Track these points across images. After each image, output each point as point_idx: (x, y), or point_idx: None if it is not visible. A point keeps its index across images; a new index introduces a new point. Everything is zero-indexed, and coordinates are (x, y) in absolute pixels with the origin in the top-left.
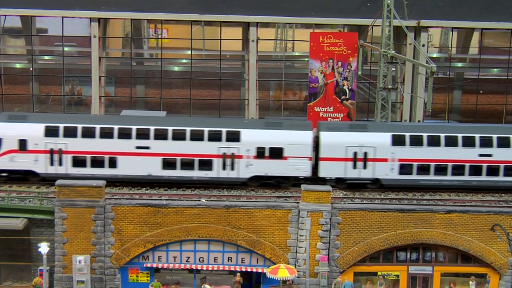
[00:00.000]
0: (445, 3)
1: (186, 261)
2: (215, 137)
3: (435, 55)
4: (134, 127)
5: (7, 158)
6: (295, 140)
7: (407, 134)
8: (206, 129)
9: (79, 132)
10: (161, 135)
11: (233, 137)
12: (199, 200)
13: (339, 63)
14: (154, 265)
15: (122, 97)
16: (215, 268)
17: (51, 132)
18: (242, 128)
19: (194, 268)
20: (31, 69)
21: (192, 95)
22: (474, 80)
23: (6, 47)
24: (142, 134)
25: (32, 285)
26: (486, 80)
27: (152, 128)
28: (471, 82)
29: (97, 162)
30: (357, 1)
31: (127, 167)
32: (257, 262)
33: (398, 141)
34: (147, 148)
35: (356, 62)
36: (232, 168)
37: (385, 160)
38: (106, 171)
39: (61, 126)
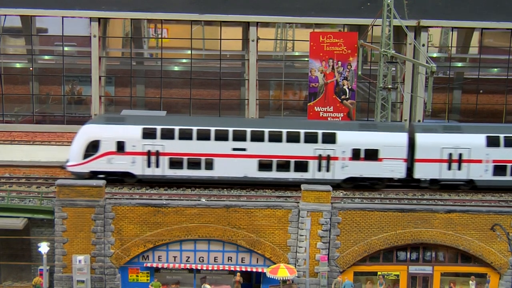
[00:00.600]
0: (445, 3)
1: (186, 261)
2: (311, 139)
3: (435, 55)
4: (230, 129)
5: (105, 160)
6: (390, 141)
7: (502, 136)
8: (302, 131)
9: (176, 134)
10: (257, 137)
11: (329, 139)
12: (199, 200)
13: (339, 62)
14: (154, 265)
15: (122, 97)
16: (215, 268)
17: (148, 134)
18: (338, 130)
19: (194, 268)
20: (31, 68)
21: (192, 95)
22: (474, 80)
23: (6, 47)
24: (239, 136)
25: (32, 285)
26: (486, 80)
27: (248, 130)
28: (471, 82)
29: (194, 164)
30: (357, 1)
31: (223, 169)
32: (257, 262)
33: (492, 142)
34: (244, 149)
35: (356, 62)
36: (328, 170)
37: (479, 161)
38: (203, 172)
39: (159, 128)
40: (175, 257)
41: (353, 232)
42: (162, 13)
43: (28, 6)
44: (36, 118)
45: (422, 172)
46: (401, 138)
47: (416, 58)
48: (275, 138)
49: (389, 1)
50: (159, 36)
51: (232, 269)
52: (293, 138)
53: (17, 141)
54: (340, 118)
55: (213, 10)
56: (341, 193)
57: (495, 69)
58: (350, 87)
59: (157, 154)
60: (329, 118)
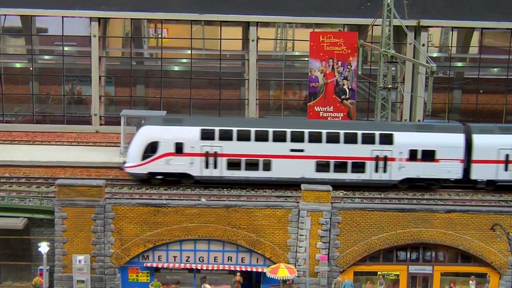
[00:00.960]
0: (445, 3)
1: (186, 260)
2: (368, 140)
3: (435, 55)
4: (288, 130)
5: (163, 161)
6: (447, 142)
7: None
8: (359, 132)
9: (235, 135)
10: (315, 138)
11: (387, 140)
12: (199, 200)
13: (339, 62)
14: (154, 265)
15: (122, 96)
16: (215, 268)
17: (207, 135)
18: (395, 131)
19: (194, 267)
20: (31, 68)
21: (192, 95)
22: (474, 80)
23: (6, 47)
24: (297, 137)
25: (32, 284)
26: (486, 79)
27: (306, 131)
28: (471, 82)
29: (252, 165)
30: (357, 1)
31: (281, 170)
32: (257, 262)
33: None
34: (301, 151)
35: (356, 61)
36: (385, 171)
37: None
38: (260, 173)
39: (217, 129)
40: (175, 257)
41: (353, 232)
42: (162, 13)
43: (28, 6)
44: (36, 118)
45: (479, 173)
46: (458, 139)
47: (416, 58)
48: (333, 139)
49: (389, 1)
50: (159, 36)
51: (232, 269)
52: (350, 139)
53: (17, 141)
54: (340, 118)
55: (213, 10)
56: (341, 193)
57: (495, 69)
58: (350, 87)
59: (215, 155)
60: (329, 118)
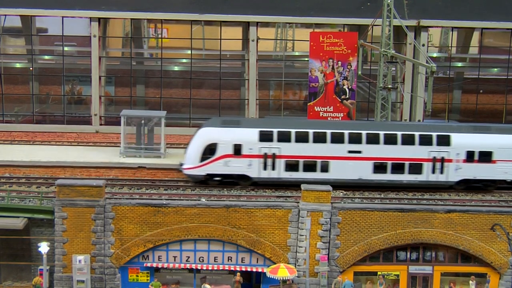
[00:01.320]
0: (445, 3)
1: (186, 260)
2: (425, 141)
3: (435, 55)
4: (346, 132)
5: (222, 163)
6: (505, 144)
7: None
8: (417, 134)
9: (293, 136)
10: (373, 140)
11: (444, 141)
12: (199, 200)
13: (339, 62)
14: (154, 265)
15: (122, 96)
16: (215, 268)
17: (265, 137)
18: (453, 133)
19: (194, 267)
20: (31, 68)
21: (192, 95)
22: (474, 80)
23: (6, 47)
24: (354, 139)
25: (32, 284)
26: (486, 80)
27: (364, 132)
28: (471, 82)
29: (309, 166)
30: (357, 1)
31: (338, 171)
32: (257, 262)
33: None
34: (359, 152)
35: (356, 61)
36: (441, 172)
37: None
38: (318, 175)
39: (275, 131)
40: (175, 257)
41: (353, 232)
42: (162, 13)
43: (28, 6)
44: (36, 118)
45: None
46: None
47: (416, 58)
48: (390, 140)
49: (389, 1)
50: (159, 36)
51: (232, 269)
52: (408, 140)
53: (17, 141)
54: (340, 118)
55: (213, 10)
56: (341, 193)
57: (495, 69)
58: (350, 87)
59: (274, 156)
60: (329, 118)
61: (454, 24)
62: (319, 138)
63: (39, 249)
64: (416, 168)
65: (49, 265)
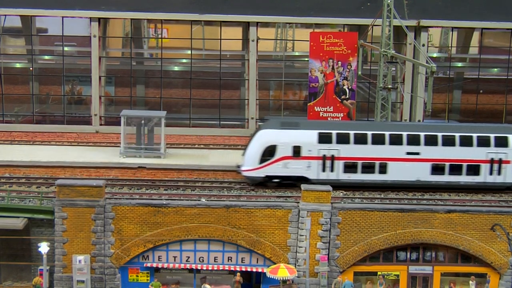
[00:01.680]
0: (445, 3)
1: (186, 261)
2: (483, 142)
3: (435, 55)
4: (404, 134)
5: (281, 165)
6: None
7: None
8: (475, 135)
9: (352, 138)
10: (431, 141)
11: (502, 142)
12: (199, 200)
13: (339, 62)
14: (154, 265)
15: (122, 97)
16: (215, 268)
17: (324, 138)
18: (510, 134)
19: (194, 268)
20: (31, 69)
21: (192, 95)
22: (474, 80)
23: (6, 47)
24: (413, 140)
25: (32, 285)
26: (486, 80)
27: (422, 134)
28: (471, 82)
29: (367, 168)
30: (357, 1)
31: (396, 173)
32: (257, 262)
33: None
34: (417, 154)
35: (356, 61)
36: (499, 173)
37: None
38: (376, 176)
39: (334, 132)
40: (175, 257)
41: (353, 232)
42: (162, 13)
43: (28, 6)
44: (36, 118)
45: None
46: None
47: (416, 58)
48: (448, 142)
49: (389, 1)
50: (159, 36)
51: (232, 269)
52: (466, 142)
53: (17, 141)
54: (340, 118)
55: (213, 10)
56: (341, 193)
57: (495, 69)
58: (350, 87)
59: (332, 158)
60: (329, 118)
61: (454, 24)
62: (378, 140)
63: (39, 249)
64: (473, 169)
65: (49, 265)
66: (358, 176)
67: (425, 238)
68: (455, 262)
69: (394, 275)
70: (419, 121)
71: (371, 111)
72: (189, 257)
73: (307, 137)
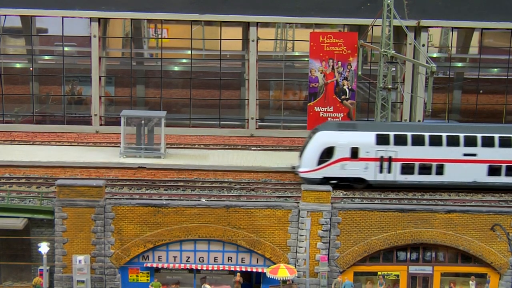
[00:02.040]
0: (445, 3)
1: (186, 261)
2: None
3: (435, 55)
4: (461, 135)
5: (339, 166)
6: None
7: None
8: None
9: (409, 140)
10: (487, 143)
11: None
12: (199, 200)
13: (339, 63)
14: (154, 265)
15: (122, 97)
16: (215, 268)
17: (382, 140)
18: None
19: (194, 268)
20: (31, 69)
21: (192, 95)
22: (474, 80)
23: (6, 47)
24: (470, 142)
25: (32, 285)
26: (486, 80)
27: (479, 135)
28: (471, 82)
29: (424, 169)
30: (357, 1)
31: (453, 174)
32: (257, 262)
33: None
34: (474, 155)
35: (356, 62)
36: None
37: None
38: (433, 178)
39: (392, 134)
40: (175, 257)
41: (353, 232)
42: (162, 13)
43: (28, 6)
44: (36, 118)
45: None
46: None
47: (416, 58)
48: (505, 143)
49: (389, 1)
50: (159, 36)
51: (232, 269)
52: None
53: (17, 141)
54: (340, 118)
55: (213, 10)
56: (341, 193)
57: (495, 69)
58: (350, 87)
59: (390, 159)
60: (329, 119)
61: (454, 24)
62: (435, 141)
63: (39, 249)
64: None
65: (49, 265)
66: (415, 178)
67: (425, 238)
68: (455, 262)
69: (394, 275)
70: (419, 121)
71: (371, 111)
72: (189, 257)
73: (365, 139)
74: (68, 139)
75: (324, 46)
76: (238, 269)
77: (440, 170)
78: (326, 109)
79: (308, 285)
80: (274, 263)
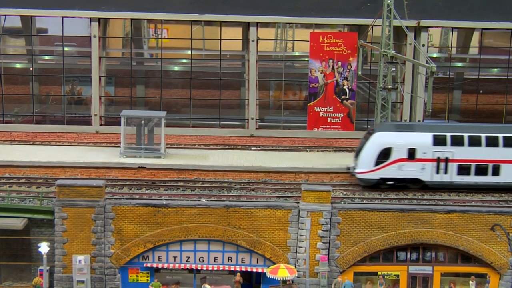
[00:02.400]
0: (445, 3)
1: (186, 261)
2: None
3: (435, 55)
4: None
5: (396, 167)
6: None
7: None
8: None
9: (466, 141)
10: None
11: None
12: (199, 200)
13: (339, 63)
14: (154, 265)
15: (122, 97)
16: (215, 268)
17: (438, 141)
18: None
19: (194, 268)
20: (31, 69)
21: (192, 95)
22: (474, 80)
23: (6, 47)
24: None
25: (32, 285)
26: (486, 80)
27: None
28: (471, 82)
29: (481, 170)
30: (357, 1)
31: (510, 175)
32: (257, 262)
33: None
34: None
35: (356, 62)
36: None
37: None
38: (489, 178)
39: (448, 135)
40: (175, 257)
41: (353, 232)
42: (162, 13)
43: (28, 6)
44: (36, 118)
45: None
46: None
47: (416, 58)
48: None
49: (389, 1)
50: (159, 36)
51: (232, 269)
52: None
53: (17, 141)
54: (340, 118)
55: (213, 10)
56: (341, 193)
57: (495, 69)
58: (350, 87)
59: (446, 160)
60: (329, 119)
61: (454, 24)
62: (491, 142)
63: (39, 249)
64: None
65: (49, 266)
66: (471, 178)
67: (425, 238)
68: (455, 262)
69: (394, 275)
70: (419, 121)
71: (371, 111)
72: (189, 257)
73: (422, 140)
74: (68, 139)
75: (324, 46)
76: (238, 269)
77: (496, 171)
78: (326, 109)
79: (308, 285)
80: (274, 263)
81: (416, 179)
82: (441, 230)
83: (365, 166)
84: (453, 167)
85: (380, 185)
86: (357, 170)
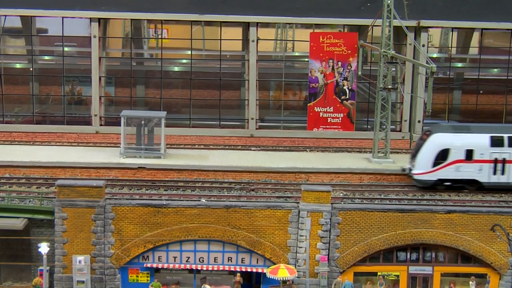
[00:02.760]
0: (445, 3)
1: (186, 261)
2: None
3: (435, 55)
4: None
5: (453, 168)
6: None
7: None
8: None
9: None
10: None
11: None
12: (199, 200)
13: (339, 63)
14: (154, 265)
15: (122, 97)
16: (215, 268)
17: (496, 142)
18: None
19: (194, 268)
20: (31, 69)
21: (192, 95)
22: (474, 80)
23: (6, 47)
24: None
25: (32, 285)
26: (486, 80)
27: None
28: (471, 82)
29: None
30: (357, 1)
31: None
32: (257, 262)
33: None
34: None
35: (356, 62)
36: None
37: None
38: None
39: (506, 136)
40: (175, 257)
41: (353, 233)
42: (162, 14)
43: (28, 7)
44: (36, 118)
45: None
46: None
47: (416, 58)
48: None
49: (389, 1)
50: (159, 36)
51: (232, 269)
52: None
53: (17, 141)
54: (340, 118)
55: (213, 10)
56: (341, 193)
57: (495, 70)
58: (350, 88)
59: (504, 161)
60: (329, 119)
61: (454, 25)
62: None
63: (39, 249)
64: None
65: (49, 266)
66: None
67: (425, 238)
68: (455, 263)
69: (394, 275)
70: (418, 121)
71: (371, 111)
72: (189, 257)
73: (479, 141)
74: (68, 139)
75: (324, 46)
76: (238, 269)
77: None
78: (326, 109)
79: (308, 285)
80: (274, 263)
81: (473, 180)
82: (441, 230)
83: (422, 167)
84: (510, 168)
85: (437, 186)
86: (414, 172)
